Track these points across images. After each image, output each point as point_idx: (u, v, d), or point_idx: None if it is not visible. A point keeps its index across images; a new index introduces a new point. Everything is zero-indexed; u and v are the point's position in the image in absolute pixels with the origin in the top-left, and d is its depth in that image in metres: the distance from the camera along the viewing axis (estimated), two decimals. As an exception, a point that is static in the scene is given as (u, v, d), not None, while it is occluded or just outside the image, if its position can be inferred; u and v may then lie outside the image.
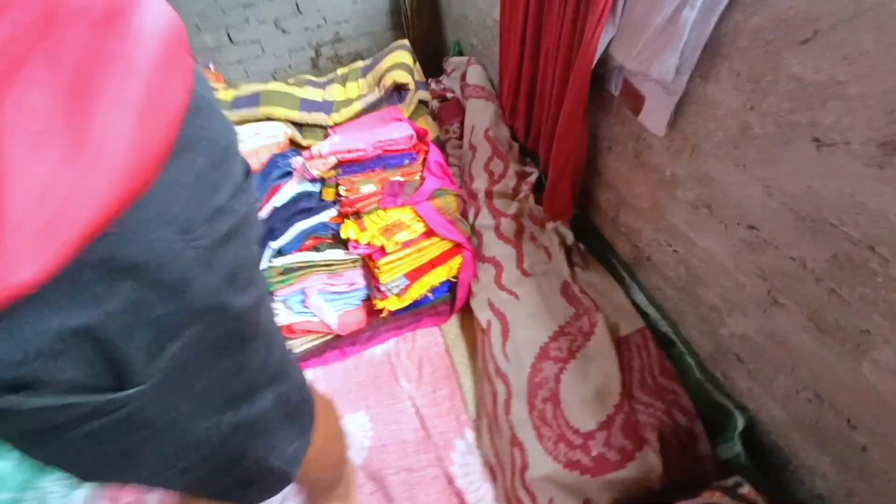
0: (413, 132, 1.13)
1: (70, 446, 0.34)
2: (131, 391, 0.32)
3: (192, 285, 0.33)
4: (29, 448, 0.34)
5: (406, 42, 1.63)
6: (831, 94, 0.51)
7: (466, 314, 1.25)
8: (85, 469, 0.38)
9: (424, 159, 1.17)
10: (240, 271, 0.39)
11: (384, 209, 1.13)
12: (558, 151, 1.04)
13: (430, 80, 1.84)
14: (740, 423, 0.78)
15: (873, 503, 0.61)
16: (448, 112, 1.65)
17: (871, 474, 0.60)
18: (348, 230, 1.12)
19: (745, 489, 0.67)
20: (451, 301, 1.24)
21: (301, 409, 0.57)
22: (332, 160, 1.07)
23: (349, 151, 1.07)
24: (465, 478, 0.98)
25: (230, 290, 0.37)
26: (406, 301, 1.16)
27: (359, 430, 1.08)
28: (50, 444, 0.33)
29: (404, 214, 1.14)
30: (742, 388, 0.79)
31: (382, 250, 1.11)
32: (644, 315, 1.01)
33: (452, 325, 1.25)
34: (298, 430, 0.56)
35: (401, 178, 1.14)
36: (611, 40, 0.81)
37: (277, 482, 0.56)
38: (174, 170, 0.31)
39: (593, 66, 0.84)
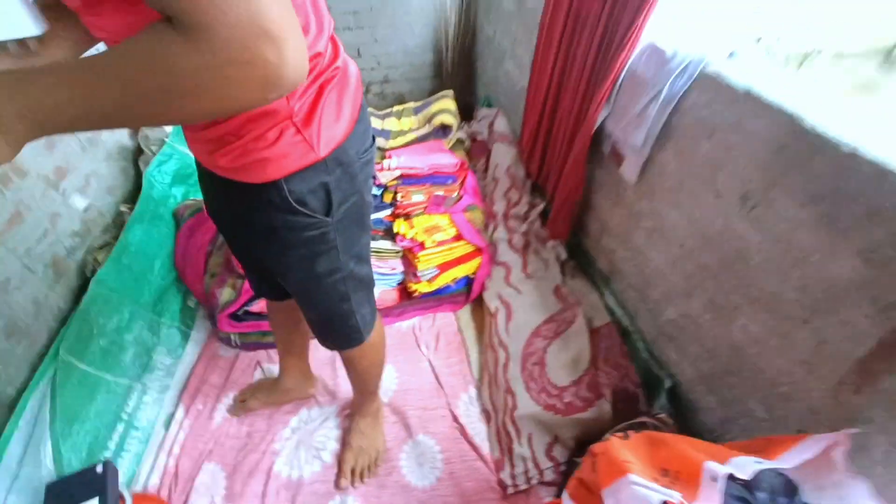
0: (458, 161, 1.52)
1: (290, 240, 0.68)
2: (330, 219, 0.68)
3: (356, 177, 0.69)
4: (274, 237, 0.68)
5: (451, 92, 2.05)
6: (720, 166, 0.90)
7: (476, 306, 1.60)
8: (282, 260, 0.72)
9: (463, 181, 1.55)
10: (369, 180, 0.75)
11: (428, 214, 1.50)
12: (562, 189, 1.44)
13: (462, 123, 2.26)
14: (667, 383, 1.13)
15: (737, 420, 0.95)
16: (477, 150, 2.06)
17: (736, 404, 0.94)
18: (400, 226, 1.49)
19: (662, 415, 1.01)
20: (467, 294, 1.59)
21: (373, 298, 0.92)
22: (398, 172, 1.45)
23: (411, 168, 1.45)
24: (467, 418, 1.30)
25: (366, 187, 0.74)
26: (434, 286, 1.51)
27: (387, 377, 1.40)
28: (284, 235, 0.67)
29: (442, 220, 1.52)
30: (671, 359, 1.14)
31: (422, 245, 1.48)
32: (612, 313, 1.37)
33: (465, 312, 1.60)
34: (372, 308, 0.91)
35: (443, 193, 1.52)
36: (605, 117, 1.22)
37: (353, 336, 0.90)
38: (357, 127, 0.68)
39: (593, 132, 1.24)
